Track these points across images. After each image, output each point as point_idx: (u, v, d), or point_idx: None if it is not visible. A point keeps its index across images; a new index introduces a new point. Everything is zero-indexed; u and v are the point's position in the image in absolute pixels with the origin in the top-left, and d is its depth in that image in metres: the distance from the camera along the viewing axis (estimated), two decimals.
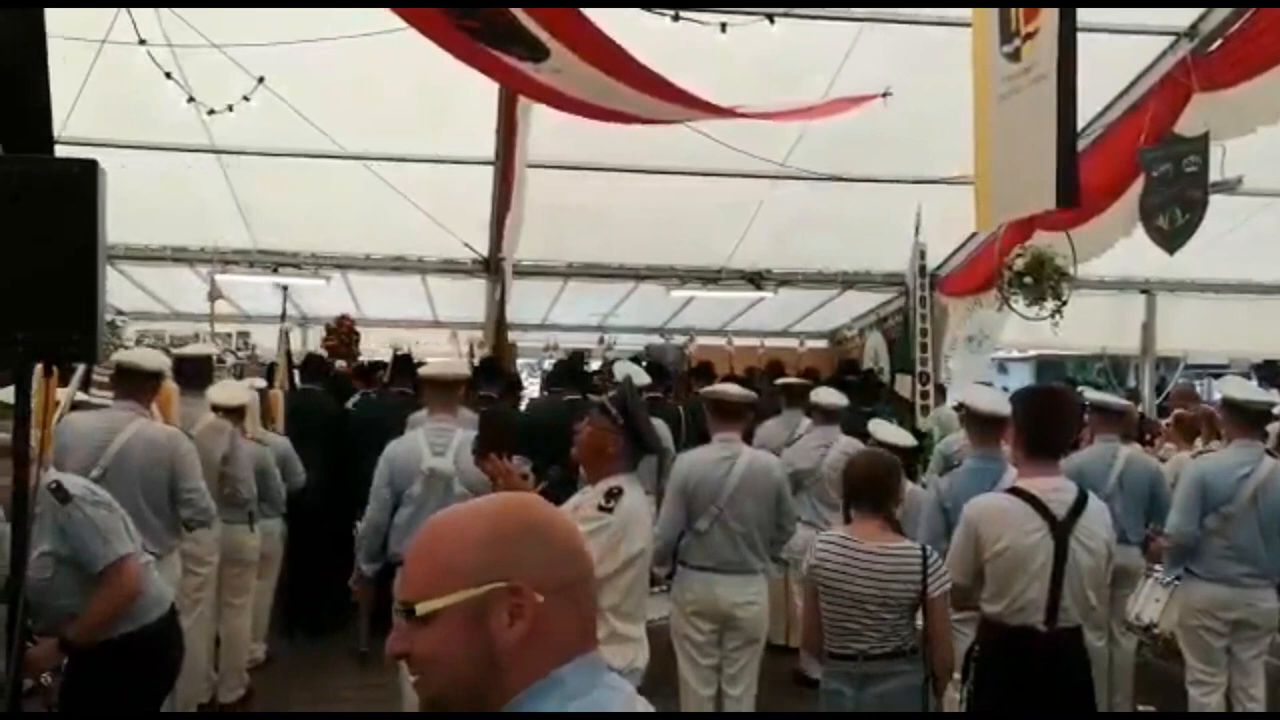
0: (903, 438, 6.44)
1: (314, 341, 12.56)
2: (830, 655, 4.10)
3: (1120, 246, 7.92)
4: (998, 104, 5.36)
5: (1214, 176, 6.76)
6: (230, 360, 10.48)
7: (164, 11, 6.34)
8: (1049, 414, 4.20)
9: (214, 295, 9.98)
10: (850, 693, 4.02)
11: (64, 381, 5.72)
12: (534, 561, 1.38)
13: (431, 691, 1.39)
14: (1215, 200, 6.81)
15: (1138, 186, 7.24)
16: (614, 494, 3.61)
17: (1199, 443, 7.71)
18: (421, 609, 1.36)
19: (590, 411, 3.88)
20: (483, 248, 10.02)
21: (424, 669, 1.38)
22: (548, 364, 12.74)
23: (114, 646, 4.01)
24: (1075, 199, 5.02)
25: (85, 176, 2.91)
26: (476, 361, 9.48)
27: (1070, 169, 4.92)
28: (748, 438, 6.32)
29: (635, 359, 11.91)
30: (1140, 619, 5.87)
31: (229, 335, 11.95)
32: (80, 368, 5.98)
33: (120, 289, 10.61)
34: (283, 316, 10.39)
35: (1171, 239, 7.02)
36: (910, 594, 3.96)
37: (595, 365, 11.22)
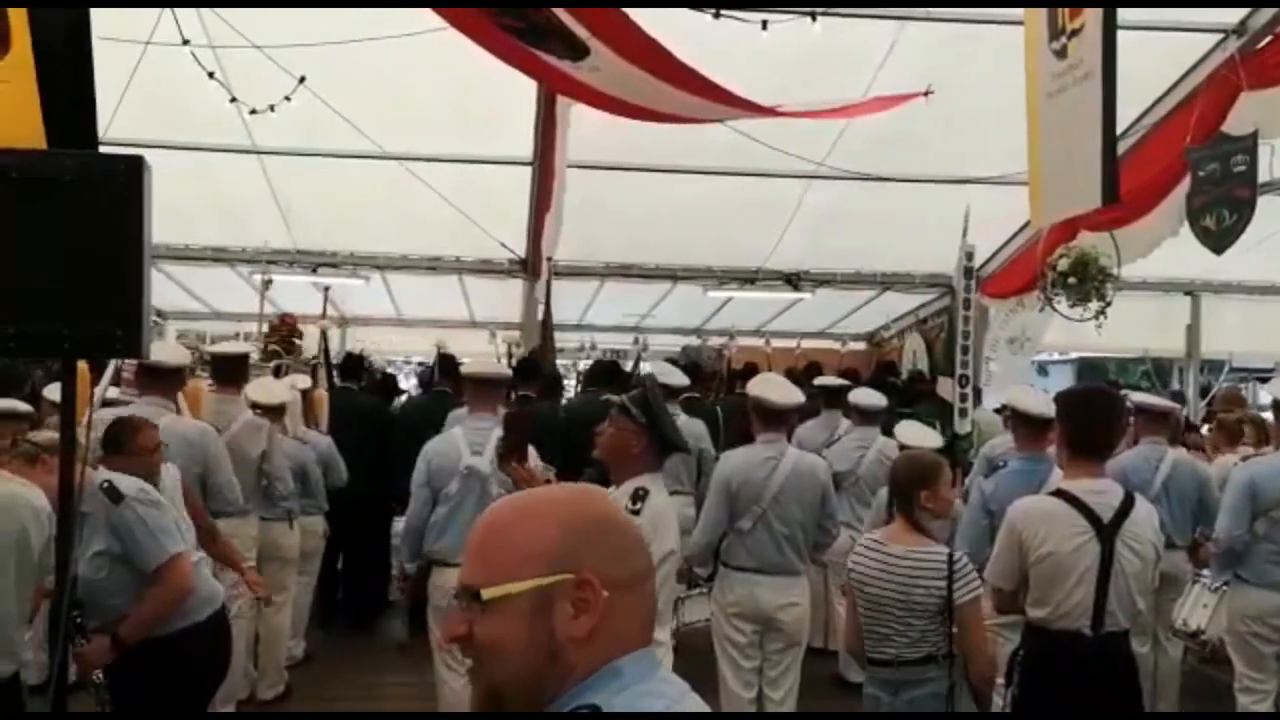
0: (928, 439, 6.36)
1: (353, 341, 12.65)
2: (869, 661, 4.08)
3: (1164, 247, 7.81)
4: (1047, 101, 5.32)
5: (1262, 176, 6.65)
6: (275, 361, 10.53)
7: (205, 12, 6.39)
8: (1094, 414, 4.12)
9: (265, 286, 10.03)
10: (886, 698, 4.00)
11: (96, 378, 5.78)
12: (602, 555, 1.36)
13: (487, 680, 1.37)
14: (1263, 200, 6.70)
15: (1184, 186, 7.13)
16: (640, 495, 3.59)
17: (1247, 448, 7.56)
18: (488, 594, 1.33)
19: (612, 412, 3.87)
20: (520, 248, 10.03)
21: (483, 656, 1.36)
22: (584, 364, 12.73)
23: (165, 643, 4.06)
24: (1117, 196, 4.97)
25: (132, 173, 2.93)
26: (514, 361, 9.49)
27: (1111, 167, 4.87)
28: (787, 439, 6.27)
29: (672, 360, 11.89)
30: (1187, 625, 5.77)
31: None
32: (111, 365, 6.04)
33: (161, 289, 10.69)
34: (323, 315, 10.45)
35: (1219, 239, 6.91)
36: (934, 599, 3.87)
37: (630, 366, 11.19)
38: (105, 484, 3.99)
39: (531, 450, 5.09)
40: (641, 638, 1.40)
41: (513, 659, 1.34)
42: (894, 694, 3.96)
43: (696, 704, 1.41)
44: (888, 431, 7.25)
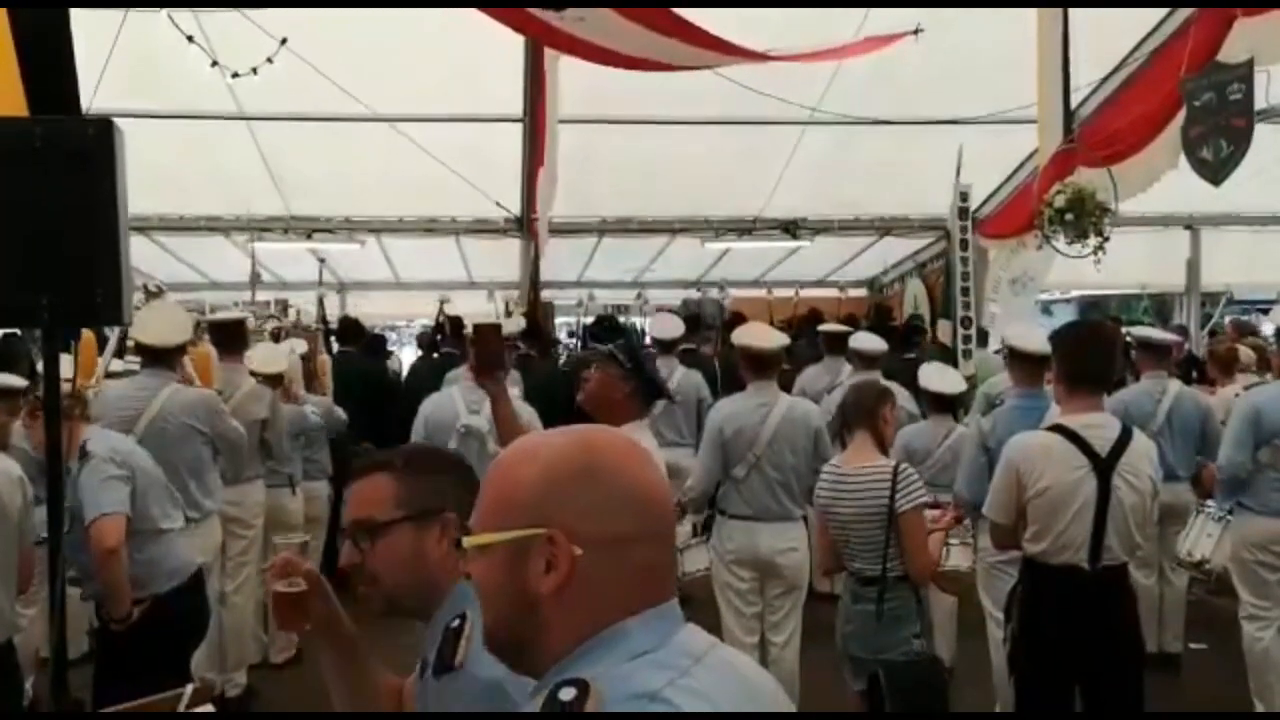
0: (951, 382, 6.30)
1: (351, 306, 12.64)
2: (845, 569, 4.44)
3: (1161, 180, 7.73)
4: (1046, 31, 5.31)
5: (1259, 104, 6.56)
6: (272, 325, 10.55)
7: None
8: (1088, 348, 4.11)
9: (255, 278, 10.08)
10: (848, 602, 4.37)
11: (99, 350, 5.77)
12: (578, 510, 1.29)
13: (486, 619, 1.38)
14: (1260, 129, 6.60)
15: (1181, 118, 7.04)
16: None
17: (1250, 375, 7.52)
18: (468, 542, 1.35)
19: (596, 359, 3.87)
20: (515, 206, 9.98)
21: (480, 593, 1.37)
22: (586, 320, 12.73)
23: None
24: (1071, 131, 5.19)
25: (102, 136, 2.90)
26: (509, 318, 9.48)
27: (1065, 102, 4.95)
28: (788, 386, 6.26)
29: (674, 311, 11.87)
30: (1192, 555, 5.78)
31: (267, 303, 12.02)
32: (113, 337, 6.02)
33: (158, 260, 10.66)
34: (320, 282, 10.44)
35: (1216, 170, 6.81)
36: (882, 509, 4.17)
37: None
38: (84, 441, 4.07)
39: (515, 394, 5.02)
40: (651, 596, 1.32)
41: (490, 604, 1.34)
42: (854, 602, 4.31)
43: (722, 661, 1.35)
44: (888, 375, 7.21)
